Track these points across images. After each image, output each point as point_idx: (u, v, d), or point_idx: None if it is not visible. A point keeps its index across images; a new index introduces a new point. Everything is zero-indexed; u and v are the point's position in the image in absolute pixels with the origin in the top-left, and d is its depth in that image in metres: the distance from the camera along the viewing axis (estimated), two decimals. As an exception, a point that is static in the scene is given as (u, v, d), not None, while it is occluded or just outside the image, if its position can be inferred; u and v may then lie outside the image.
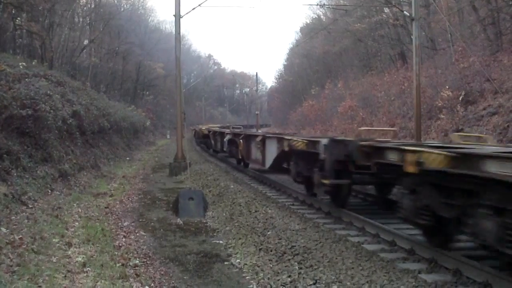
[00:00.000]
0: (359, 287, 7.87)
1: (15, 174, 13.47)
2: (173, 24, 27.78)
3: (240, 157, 26.97)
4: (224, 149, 31.52)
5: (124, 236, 11.64)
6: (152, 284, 8.38)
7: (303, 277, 8.28)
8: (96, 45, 56.90)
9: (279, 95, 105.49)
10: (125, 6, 72.90)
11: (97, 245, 10.35)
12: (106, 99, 44.21)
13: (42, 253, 9.13)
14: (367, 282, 8.05)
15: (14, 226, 10.33)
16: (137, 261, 9.49)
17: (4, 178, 12.66)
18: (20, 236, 9.69)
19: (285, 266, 8.91)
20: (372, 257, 9.39)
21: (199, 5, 27.58)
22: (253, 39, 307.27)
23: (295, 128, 57.68)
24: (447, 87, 27.62)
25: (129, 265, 9.18)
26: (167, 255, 10.16)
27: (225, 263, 9.63)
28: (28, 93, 16.63)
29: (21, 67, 22.69)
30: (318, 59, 72.18)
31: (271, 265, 9.04)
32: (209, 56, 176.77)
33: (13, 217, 11.03)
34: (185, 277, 8.81)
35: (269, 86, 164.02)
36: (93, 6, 54.67)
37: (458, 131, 23.78)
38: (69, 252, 9.60)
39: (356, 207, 14.45)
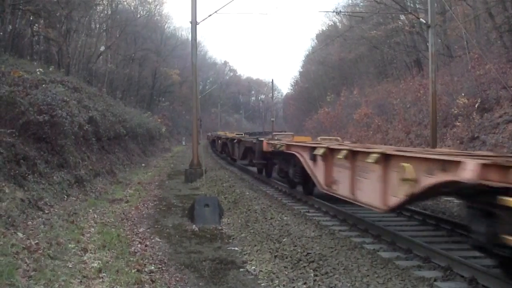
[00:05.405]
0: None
1: (31, 179, 13.55)
2: (189, 30, 28.18)
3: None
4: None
5: (140, 242, 11.66)
6: (168, 290, 8.41)
7: (319, 284, 8.26)
8: (113, 51, 57.31)
9: (294, 102, 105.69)
10: (141, 12, 73.42)
11: (113, 251, 10.37)
12: (122, 105, 44.55)
13: (58, 258, 9.17)
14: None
15: (31, 231, 10.38)
16: (152, 267, 9.50)
17: (21, 183, 12.74)
18: (37, 241, 9.73)
19: (301, 273, 8.88)
20: (388, 264, 9.36)
21: (216, 11, 27.63)
22: (269, 46, 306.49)
23: (310, 135, 57.65)
24: (463, 94, 27.52)
25: (145, 271, 9.19)
26: (183, 262, 10.16)
27: (241, 270, 9.63)
28: (45, 99, 16.72)
29: (38, 73, 22.87)
30: (334, 66, 72.22)
31: (287, 272, 9.02)
32: (225, 63, 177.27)
33: (30, 222, 11.08)
34: (200, 284, 8.81)
35: (284, 93, 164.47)
36: (109, 12, 55.04)
37: (473, 138, 23.76)
38: (85, 258, 9.63)
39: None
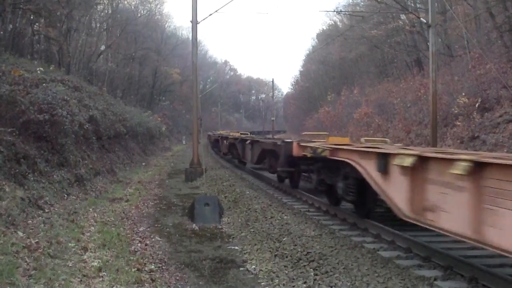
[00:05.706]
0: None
1: (31, 178, 13.55)
2: (190, 30, 28.15)
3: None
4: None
5: (140, 241, 11.65)
6: (168, 290, 8.41)
7: (319, 284, 8.25)
8: (113, 51, 57.23)
9: (295, 101, 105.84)
10: (142, 12, 73.21)
11: (113, 250, 10.37)
12: (123, 104, 44.47)
13: (58, 257, 9.16)
14: (383, 289, 8.01)
15: (31, 230, 10.37)
16: (152, 266, 9.50)
17: (21, 182, 12.74)
18: (37, 240, 9.72)
19: (301, 273, 8.87)
20: (388, 263, 9.35)
21: (216, 11, 27.69)
22: (270, 45, 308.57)
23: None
24: (463, 94, 27.51)
25: (145, 270, 9.19)
26: (183, 261, 10.15)
27: (241, 269, 9.63)
28: (45, 98, 16.69)
29: (38, 72, 22.83)
30: (334, 66, 72.29)
31: (287, 271, 9.01)
32: (225, 62, 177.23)
33: (30, 221, 11.07)
34: (200, 283, 8.80)
35: (285, 93, 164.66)
36: (110, 11, 54.97)
37: (473, 138, 23.75)
38: (85, 257, 9.62)
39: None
